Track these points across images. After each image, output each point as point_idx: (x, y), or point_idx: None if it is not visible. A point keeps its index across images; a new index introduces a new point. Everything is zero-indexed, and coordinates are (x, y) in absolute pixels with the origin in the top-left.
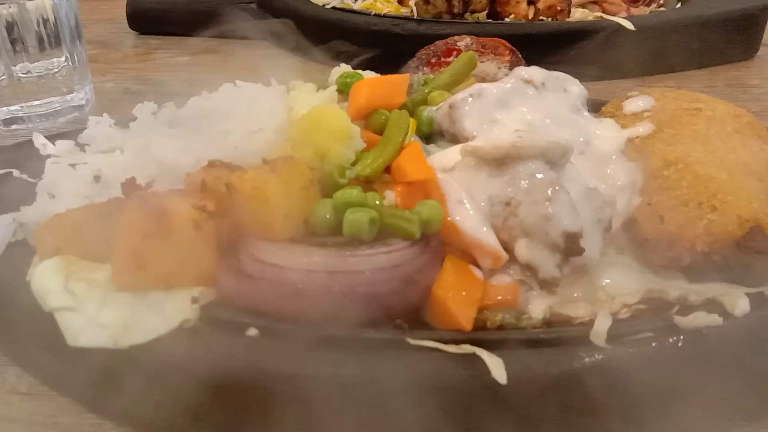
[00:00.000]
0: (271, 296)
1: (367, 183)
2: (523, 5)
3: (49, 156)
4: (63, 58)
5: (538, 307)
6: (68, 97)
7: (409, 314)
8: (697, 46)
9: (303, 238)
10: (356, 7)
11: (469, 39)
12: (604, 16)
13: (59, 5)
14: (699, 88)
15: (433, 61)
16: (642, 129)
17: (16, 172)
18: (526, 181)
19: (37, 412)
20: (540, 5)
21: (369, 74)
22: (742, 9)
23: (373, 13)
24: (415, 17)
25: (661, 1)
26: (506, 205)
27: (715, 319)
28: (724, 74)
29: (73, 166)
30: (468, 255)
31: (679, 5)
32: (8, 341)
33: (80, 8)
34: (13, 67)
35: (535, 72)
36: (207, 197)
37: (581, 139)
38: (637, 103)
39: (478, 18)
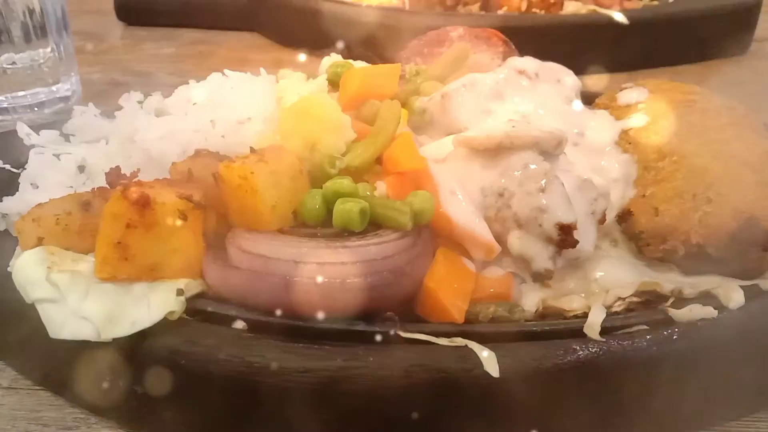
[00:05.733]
0: (259, 288)
1: (358, 173)
2: None
3: (33, 146)
4: (49, 49)
5: (531, 299)
6: (54, 88)
7: (401, 307)
8: (690, 41)
9: (292, 229)
10: None
11: (461, 29)
12: (598, 9)
13: None
14: (692, 83)
15: (425, 51)
16: (636, 121)
17: None
18: (520, 172)
19: (19, 406)
20: None
21: (360, 64)
22: (735, 5)
23: (364, 4)
24: (407, 8)
25: None
26: (499, 197)
27: (710, 311)
28: (717, 69)
29: (57, 156)
30: (460, 247)
31: (672, 0)
32: None
33: None
34: None
35: (528, 62)
36: (193, 187)
37: (575, 131)
38: (631, 94)
39: (471, 10)
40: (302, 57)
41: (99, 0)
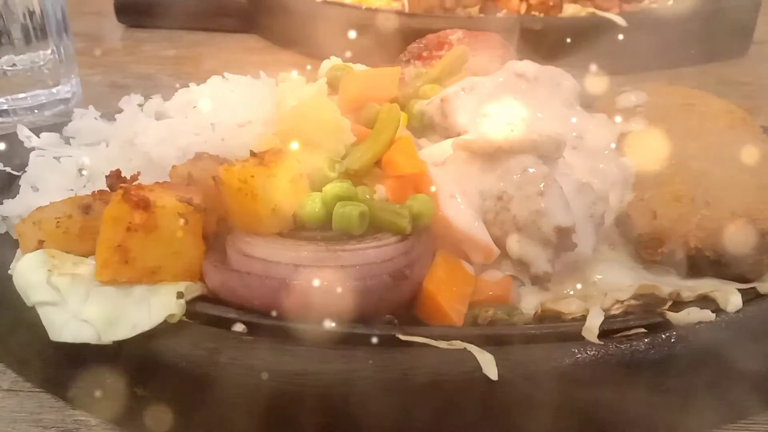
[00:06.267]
0: (258, 291)
1: (357, 177)
2: (515, 0)
3: (33, 149)
4: (49, 51)
5: (529, 302)
6: (54, 90)
7: (400, 310)
8: (689, 43)
9: (291, 233)
10: (347, 0)
11: (461, 32)
12: (597, 11)
13: None
14: (691, 86)
15: (424, 54)
16: (635, 124)
17: None
18: (519, 176)
19: (20, 409)
20: (532, 0)
21: (360, 67)
22: (734, 7)
23: (364, 7)
24: (406, 11)
25: None
26: (498, 200)
27: (707, 314)
28: (715, 72)
29: (57, 158)
30: (459, 250)
31: (671, 2)
32: None
33: (67, 0)
34: None
35: (527, 66)
36: (193, 190)
37: (574, 134)
38: (629, 98)
39: (470, 13)
40: (302, 59)
41: (99, 1)
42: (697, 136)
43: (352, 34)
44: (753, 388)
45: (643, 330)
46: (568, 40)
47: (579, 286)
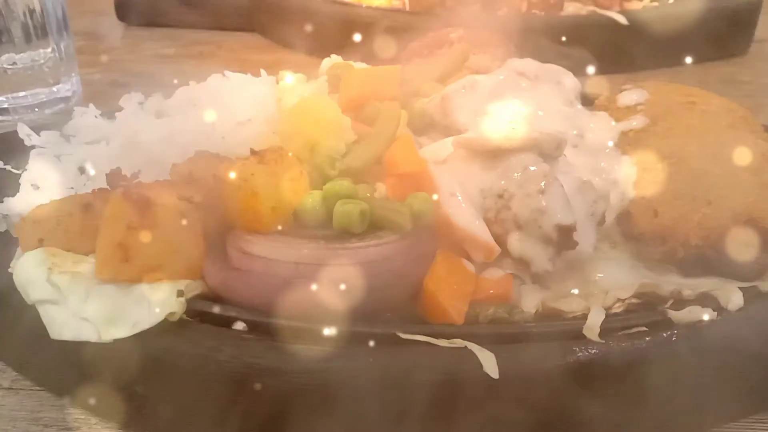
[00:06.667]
0: (259, 289)
1: (358, 175)
2: None
3: (33, 147)
4: (49, 50)
5: (530, 301)
6: (54, 88)
7: (400, 308)
8: (690, 42)
9: (292, 231)
10: None
11: (461, 31)
12: (597, 10)
13: None
14: (691, 84)
15: (425, 52)
16: (636, 122)
17: None
18: (519, 174)
19: (20, 407)
20: None
21: (360, 66)
22: (735, 5)
23: (364, 5)
24: (407, 9)
25: None
26: (499, 198)
27: (709, 313)
28: (716, 70)
29: (57, 157)
30: (460, 248)
31: (672, 1)
32: None
33: None
34: None
35: (528, 64)
36: (194, 188)
37: (575, 132)
38: (630, 96)
39: (470, 11)
40: (302, 58)
41: (99, 0)
42: (698, 135)
43: (353, 33)
44: (754, 386)
45: (644, 328)
46: (569, 38)
47: (580, 284)
